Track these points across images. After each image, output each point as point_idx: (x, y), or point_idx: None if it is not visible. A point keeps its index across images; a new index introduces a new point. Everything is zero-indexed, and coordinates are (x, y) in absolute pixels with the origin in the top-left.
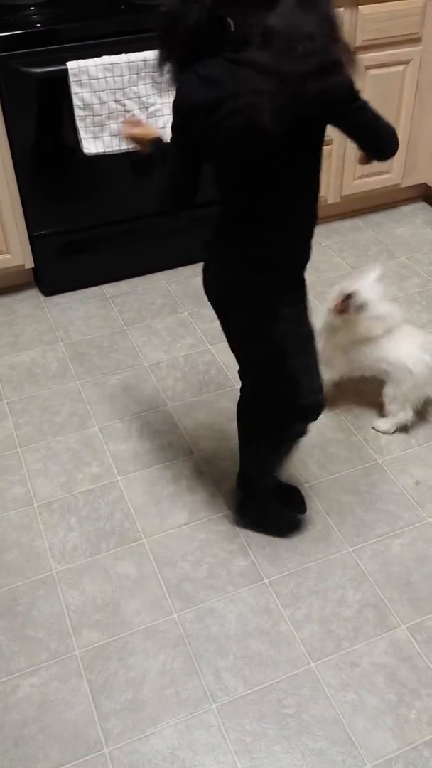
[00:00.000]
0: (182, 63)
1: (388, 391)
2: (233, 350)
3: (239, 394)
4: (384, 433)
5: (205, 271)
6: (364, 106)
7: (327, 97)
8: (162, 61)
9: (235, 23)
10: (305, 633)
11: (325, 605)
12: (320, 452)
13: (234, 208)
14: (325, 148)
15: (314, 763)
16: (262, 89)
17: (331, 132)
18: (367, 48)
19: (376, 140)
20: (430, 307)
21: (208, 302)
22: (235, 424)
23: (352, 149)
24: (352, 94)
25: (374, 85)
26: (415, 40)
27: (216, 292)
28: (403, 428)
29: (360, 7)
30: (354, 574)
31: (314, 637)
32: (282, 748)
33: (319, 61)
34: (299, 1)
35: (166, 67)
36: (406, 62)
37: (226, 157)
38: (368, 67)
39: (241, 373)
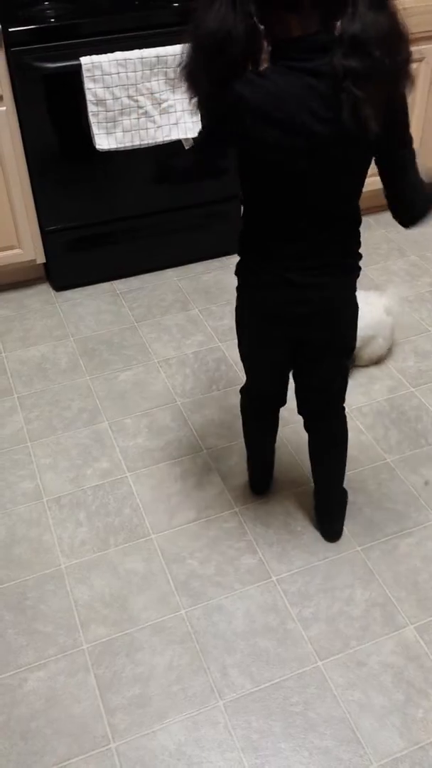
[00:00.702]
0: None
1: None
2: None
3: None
4: None
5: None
6: (411, 147)
7: (388, 105)
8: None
9: (283, 28)
10: (313, 631)
11: (333, 604)
12: None
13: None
14: None
15: (320, 761)
16: (358, 96)
17: None
18: None
19: (410, 192)
20: None
21: (218, 301)
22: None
23: None
24: (404, 108)
25: None
26: (428, 38)
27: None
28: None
29: None
30: (362, 573)
31: (322, 635)
32: (288, 745)
33: (403, 61)
34: (370, 4)
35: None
36: (420, 60)
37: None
38: None
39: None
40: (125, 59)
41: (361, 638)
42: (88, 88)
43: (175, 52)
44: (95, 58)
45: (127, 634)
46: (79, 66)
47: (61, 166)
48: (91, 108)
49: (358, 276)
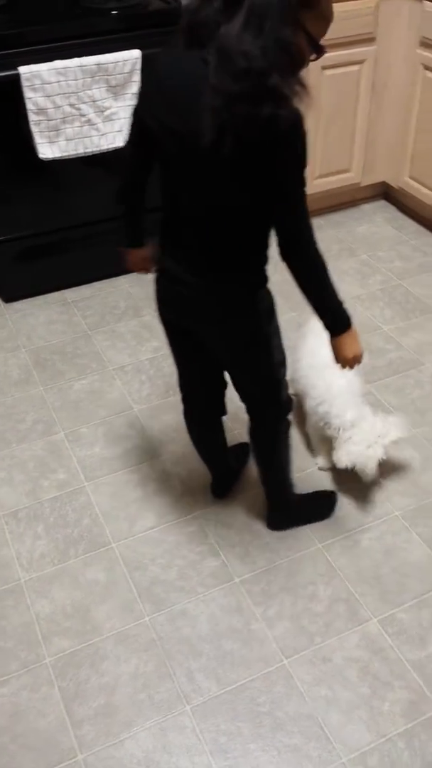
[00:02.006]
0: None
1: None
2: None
3: (250, 422)
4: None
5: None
6: (302, 175)
7: (253, 126)
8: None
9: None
10: (277, 630)
11: (297, 602)
12: None
13: None
14: None
15: (290, 759)
16: (206, 102)
17: None
18: None
19: (288, 224)
20: (392, 303)
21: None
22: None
23: (311, 149)
24: (293, 140)
25: (330, 84)
26: (369, 40)
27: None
28: None
29: None
30: (324, 570)
31: (286, 634)
32: (257, 746)
33: (251, 85)
34: (246, 20)
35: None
36: (361, 62)
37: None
38: (324, 67)
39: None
40: (65, 68)
41: (326, 634)
42: (29, 98)
43: (115, 59)
44: (34, 67)
45: (90, 644)
46: (18, 76)
47: (5, 176)
48: (32, 117)
49: (255, 293)
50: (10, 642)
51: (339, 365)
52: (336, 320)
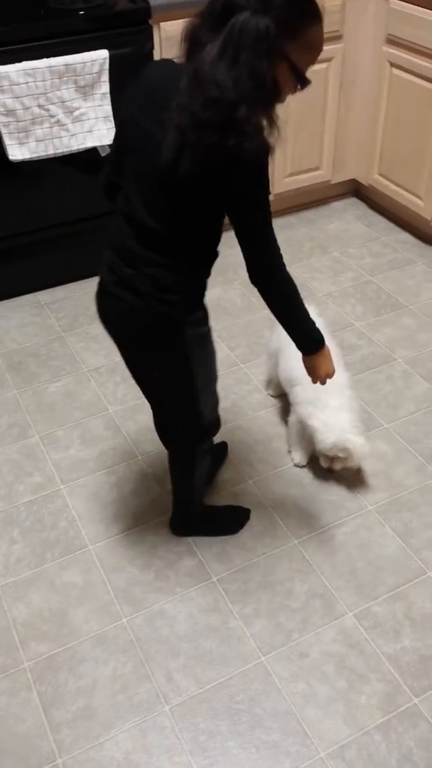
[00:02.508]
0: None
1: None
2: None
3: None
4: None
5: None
6: (264, 202)
7: (215, 155)
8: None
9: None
10: (255, 628)
11: (273, 599)
12: (263, 448)
13: None
14: None
15: (269, 756)
16: (172, 118)
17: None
18: None
19: (253, 249)
20: (364, 300)
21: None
22: None
23: (280, 147)
24: (253, 172)
25: None
26: (336, 38)
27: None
28: None
29: None
30: (300, 566)
31: (264, 631)
32: (236, 743)
33: (219, 115)
34: (222, 48)
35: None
36: (329, 60)
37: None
38: None
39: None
40: (33, 69)
41: (303, 630)
42: None
43: (83, 60)
44: (2, 68)
45: (68, 648)
46: None
47: None
48: (1, 119)
49: (180, 313)
50: None
51: (311, 381)
52: (308, 342)
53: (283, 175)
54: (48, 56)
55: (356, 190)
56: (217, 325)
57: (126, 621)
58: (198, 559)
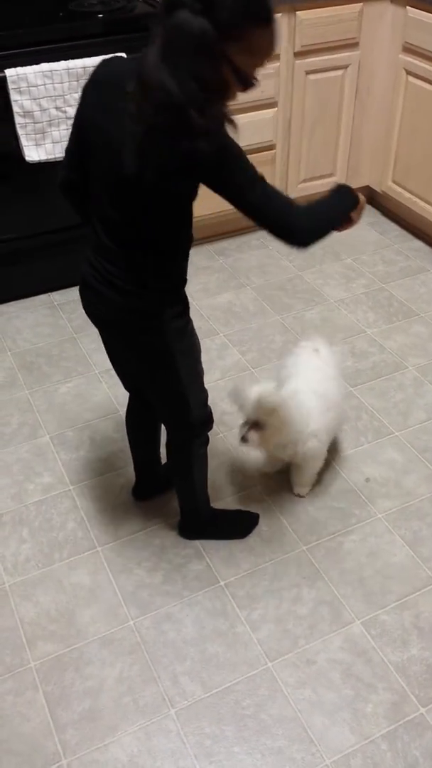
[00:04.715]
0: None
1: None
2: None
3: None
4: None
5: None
6: (246, 186)
7: (174, 158)
8: None
9: None
10: (262, 633)
11: (281, 604)
12: None
13: None
14: (268, 153)
15: (274, 762)
16: (128, 125)
17: (274, 137)
18: (306, 53)
19: (266, 227)
20: (376, 307)
21: None
22: None
23: (295, 153)
24: (217, 169)
25: (314, 90)
26: (352, 45)
27: None
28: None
29: (298, 12)
30: (308, 573)
31: (271, 636)
32: (241, 749)
33: (170, 119)
34: (163, 50)
35: None
36: (345, 67)
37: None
38: (308, 72)
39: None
40: (51, 70)
41: (310, 637)
42: (15, 100)
43: None
44: (20, 69)
45: (75, 648)
46: (5, 78)
47: None
48: (18, 120)
49: (157, 308)
50: None
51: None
52: (350, 206)
53: (297, 182)
54: (66, 58)
55: (370, 197)
56: (228, 329)
57: (133, 623)
58: (206, 563)
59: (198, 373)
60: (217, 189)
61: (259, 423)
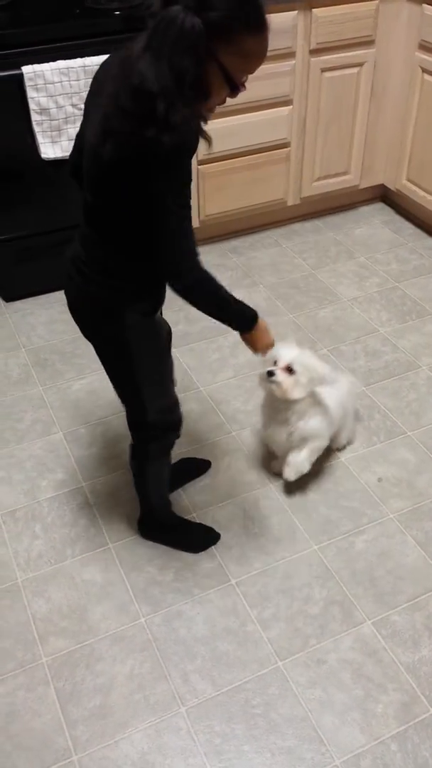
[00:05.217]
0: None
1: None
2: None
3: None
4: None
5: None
6: (173, 207)
7: (134, 143)
8: None
9: None
10: (272, 632)
11: (292, 604)
12: None
13: None
14: (283, 151)
15: (283, 761)
16: (103, 108)
17: (288, 134)
18: (321, 50)
19: (163, 254)
20: (389, 306)
21: (165, 308)
22: (202, 426)
23: (309, 151)
24: (164, 167)
25: (329, 87)
26: (368, 43)
27: None
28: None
29: (314, 9)
30: (319, 572)
31: (281, 635)
32: (251, 747)
33: (141, 105)
34: (148, 41)
35: None
36: (361, 64)
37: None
38: (323, 70)
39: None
40: (68, 68)
41: (320, 636)
42: (31, 97)
43: None
44: (37, 67)
45: (86, 645)
46: (21, 75)
47: (6, 175)
48: (34, 117)
49: (120, 299)
50: (7, 642)
51: (252, 353)
52: (240, 323)
53: (311, 179)
54: (83, 56)
55: (384, 196)
56: None
57: (144, 621)
58: (217, 561)
59: (161, 376)
60: (148, 188)
61: (290, 368)
